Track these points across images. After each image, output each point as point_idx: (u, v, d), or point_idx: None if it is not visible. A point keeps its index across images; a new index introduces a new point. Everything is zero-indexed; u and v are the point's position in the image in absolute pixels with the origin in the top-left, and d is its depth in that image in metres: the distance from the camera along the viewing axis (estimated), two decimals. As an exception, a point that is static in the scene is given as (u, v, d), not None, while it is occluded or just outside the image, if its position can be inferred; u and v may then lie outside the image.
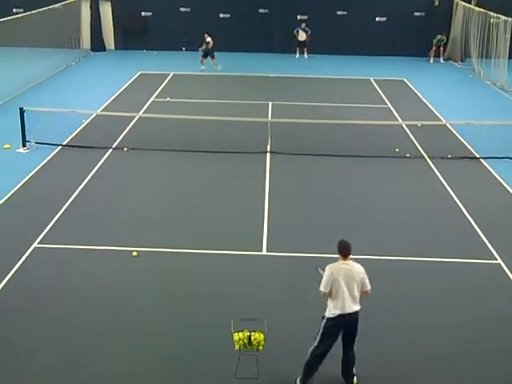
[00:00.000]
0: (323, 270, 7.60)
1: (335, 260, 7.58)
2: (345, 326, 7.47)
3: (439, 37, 29.80)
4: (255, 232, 11.77)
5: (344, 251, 7.54)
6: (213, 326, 8.80)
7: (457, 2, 29.82)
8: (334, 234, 11.66)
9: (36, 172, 14.62)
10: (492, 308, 9.56)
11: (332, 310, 7.42)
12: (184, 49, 27.90)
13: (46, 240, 11.28)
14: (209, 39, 26.27)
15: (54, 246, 11.11)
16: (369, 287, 7.56)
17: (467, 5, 28.67)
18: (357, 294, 7.44)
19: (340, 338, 7.59)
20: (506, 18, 24.17)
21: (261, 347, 7.66)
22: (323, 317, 7.52)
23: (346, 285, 7.39)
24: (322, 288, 7.46)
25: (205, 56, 26.61)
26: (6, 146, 16.28)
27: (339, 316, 7.38)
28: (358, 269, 7.53)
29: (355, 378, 7.75)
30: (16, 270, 10.24)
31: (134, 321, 9.01)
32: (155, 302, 9.51)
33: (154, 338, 8.63)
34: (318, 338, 7.51)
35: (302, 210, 12.86)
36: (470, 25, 27.64)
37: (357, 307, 7.44)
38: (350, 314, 7.39)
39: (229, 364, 7.83)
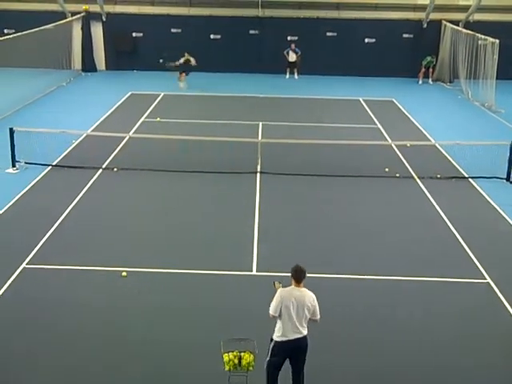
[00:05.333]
0: (280, 283, 7.58)
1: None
2: (291, 350, 7.50)
3: (429, 58, 30.11)
4: (245, 252, 11.76)
5: (297, 277, 7.47)
6: (202, 347, 8.75)
7: (445, 24, 30.19)
8: (323, 254, 11.75)
9: (25, 192, 14.56)
10: (481, 327, 9.57)
11: (279, 334, 7.45)
12: (161, 61, 28.38)
13: (35, 260, 11.22)
14: (192, 59, 26.83)
15: (43, 266, 11.05)
16: (318, 316, 7.54)
17: (455, 27, 29.03)
18: (305, 320, 7.45)
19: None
20: (493, 40, 24.47)
21: (251, 368, 7.61)
22: (271, 339, 7.57)
23: (295, 311, 7.36)
24: (270, 311, 7.45)
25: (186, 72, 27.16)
26: (-4, 166, 16.26)
27: (287, 342, 7.41)
28: (310, 297, 7.48)
29: None
30: (5, 291, 10.16)
31: (122, 341, 8.95)
32: (144, 322, 9.45)
33: (142, 358, 8.56)
34: (268, 358, 7.59)
35: (292, 230, 12.87)
36: (458, 46, 27.98)
37: (304, 332, 7.45)
38: (297, 340, 7.42)
39: (218, 385, 7.78)
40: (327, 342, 8.96)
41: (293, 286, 7.50)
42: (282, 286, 7.63)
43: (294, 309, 7.36)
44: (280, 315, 7.40)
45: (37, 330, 9.17)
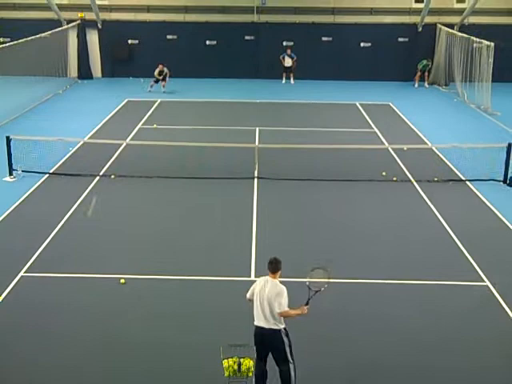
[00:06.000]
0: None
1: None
2: (260, 337, 7.73)
3: (424, 62, 30.18)
4: (243, 257, 11.76)
5: (269, 267, 7.79)
6: (202, 353, 8.75)
7: (440, 28, 30.28)
8: (322, 258, 11.72)
9: (23, 200, 14.55)
10: (479, 329, 9.57)
11: (254, 319, 7.79)
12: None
13: (33, 269, 11.20)
14: (166, 70, 27.72)
15: (41, 274, 11.03)
16: (278, 310, 7.55)
17: (450, 30, 29.11)
18: (270, 313, 7.60)
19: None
20: (488, 43, 24.54)
21: (250, 373, 7.61)
22: None
23: (259, 300, 7.70)
24: (247, 295, 7.94)
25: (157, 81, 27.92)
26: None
27: (257, 327, 7.75)
28: (278, 290, 7.61)
29: None
30: (3, 299, 10.15)
31: (122, 348, 8.94)
32: (143, 328, 9.44)
33: (142, 364, 8.55)
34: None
35: (290, 235, 12.87)
36: (453, 49, 28.06)
37: (268, 325, 7.61)
38: (262, 328, 7.66)
39: (218, 391, 7.78)
40: (324, 344, 8.96)
41: (268, 277, 7.80)
42: None
43: (258, 297, 7.71)
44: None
45: (36, 337, 9.14)
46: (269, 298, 7.60)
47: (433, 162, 17.90)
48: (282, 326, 7.68)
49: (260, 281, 7.83)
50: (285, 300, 7.60)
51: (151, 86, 27.94)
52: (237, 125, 21.83)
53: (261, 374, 7.87)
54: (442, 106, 26.45)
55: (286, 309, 7.61)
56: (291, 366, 7.74)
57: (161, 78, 27.83)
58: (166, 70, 27.85)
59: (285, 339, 7.71)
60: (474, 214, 14.22)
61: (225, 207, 14.39)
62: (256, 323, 7.73)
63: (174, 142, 17.71)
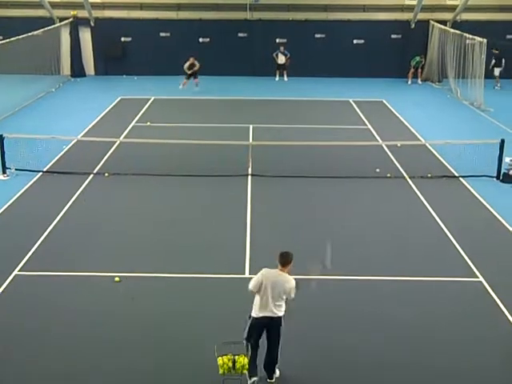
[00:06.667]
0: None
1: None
2: (267, 327, 7.96)
3: (418, 58, 30.23)
4: (238, 255, 11.76)
5: (281, 260, 7.97)
6: (197, 350, 8.75)
7: (433, 24, 30.33)
8: (316, 254, 11.75)
9: (16, 199, 14.51)
10: (474, 326, 9.61)
11: (257, 311, 7.93)
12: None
13: (27, 267, 11.18)
14: (197, 64, 27.00)
15: (35, 273, 11.01)
16: (292, 296, 7.94)
17: (443, 27, 29.17)
18: (280, 301, 7.87)
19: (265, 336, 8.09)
20: (481, 40, 24.59)
21: (245, 371, 7.64)
22: (249, 316, 7.99)
23: (271, 291, 7.81)
24: (250, 286, 8.00)
25: (188, 78, 27.24)
26: (-14, 173, 16.20)
27: (262, 317, 7.89)
28: (289, 281, 7.90)
29: (277, 371, 8.18)
30: (-3, 299, 10.14)
31: (117, 346, 8.93)
32: (139, 326, 9.43)
33: (137, 362, 8.55)
34: (245, 334, 8.01)
35: (284, 232, 12.88)
36: (446, 46, 28.11)
37: (279, 313, 7.89)
38: (271, 318, 7.86)
39: (213, 388, 7.79)
40: (321, 341, 8.99)
41: (277, 270, 7.95)
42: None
43: (270, 290, 7.82)
44: (259, 292, 7.86)
45: (30, 336, 9.12)
46: (285, 290, 7.83)
47: (426, 158, 17.95)
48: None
49: (266, 273, 7.95)
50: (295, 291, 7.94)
51: (183, 84, 27.28)
52: (230, 122, 21.83)
53: (254, 359, 8.04)
54: (435, 102, 26.50)
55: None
56: (280, 347, 8.08)
57: (190, 72, 27.08)
58: (197, 63, 27.02)
59: (283, 323, 8.01)
60: (468, 210, 14.27)
61: (218, 205, 14.38)
62: (262, 314, 7.86)
63: (167, 140, 17.69)
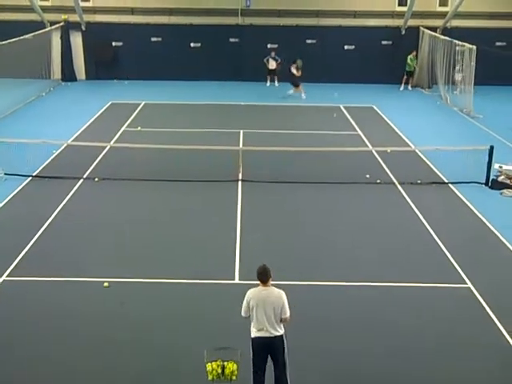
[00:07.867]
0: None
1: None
2: (267, 347, 7.66)
3: (408, 60, 30.26)
4: (227, 260, 11.76)
5: (261, 277, 7.68)
6: (185, 356, 8.74)
7: (423, 31, 30.49)
8: (305, 261, 11.78)
9: (5, 204, 14.45)
10: (461, 331, 9.65)
11: (254, 332, 7.68)
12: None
13: (15, 272, 11.13)
14: (294, 70, 27.00)
15: (23, 278, 10.96)
16: (287, 314, 7.64)
17: (433, 33, 29.33)
18: (275, 319, 7.59)
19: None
20: (470, 46, 24.74)
21: (234, 377, 7.62)
22: (252, 338, 7.75)
23: (263, 310, 7.56)
24: (242, 313, 7.77)
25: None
26: (-25, 177, 16.12)
27: (260, 338, 7.62)
28: (277, 294, 7.65)
29: None
30: (-15, 304, 10.09)
31: (106, 351, 8.91)
32: (127, 332, 9.41)
33: (126, 367, 8.53)
34: (251, 358, 7.74)
35: (274, 238, 12.89)
36: (436, 52, 28.25)
37: (277, 332, 7.61)
38: (269, 338, 7.59)
39: (202, 395, 7.77)
40: (313, 348, 8.99)
41: (260, 287, 7.70)
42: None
43: (260, 308, 7.57)
44: (251, 316, 7.64)
45: (18, 342, 9.08)
46: (274, 304, 7.56)
47: (416, 164, 18.02)
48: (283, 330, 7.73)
49: (253, 293, 7.67)
50: (287, 303, 7.67)
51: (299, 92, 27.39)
52: (221, 127, 21.84)
53: None
54: (425, 108, 26.62)
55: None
56: (287, 369, 7.77)
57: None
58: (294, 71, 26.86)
59: (285, 342, 7.74)
60: (457, 217, 14.33)
61: (209, 210, 14.38)
62: (261, 334, 7.59)
63: (158, 145, 17.67)
